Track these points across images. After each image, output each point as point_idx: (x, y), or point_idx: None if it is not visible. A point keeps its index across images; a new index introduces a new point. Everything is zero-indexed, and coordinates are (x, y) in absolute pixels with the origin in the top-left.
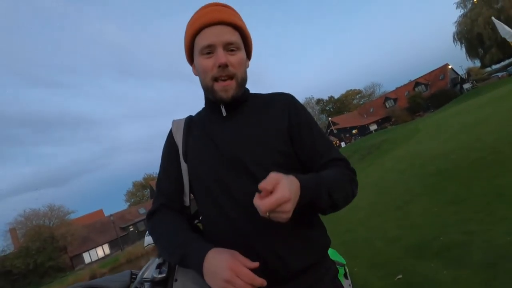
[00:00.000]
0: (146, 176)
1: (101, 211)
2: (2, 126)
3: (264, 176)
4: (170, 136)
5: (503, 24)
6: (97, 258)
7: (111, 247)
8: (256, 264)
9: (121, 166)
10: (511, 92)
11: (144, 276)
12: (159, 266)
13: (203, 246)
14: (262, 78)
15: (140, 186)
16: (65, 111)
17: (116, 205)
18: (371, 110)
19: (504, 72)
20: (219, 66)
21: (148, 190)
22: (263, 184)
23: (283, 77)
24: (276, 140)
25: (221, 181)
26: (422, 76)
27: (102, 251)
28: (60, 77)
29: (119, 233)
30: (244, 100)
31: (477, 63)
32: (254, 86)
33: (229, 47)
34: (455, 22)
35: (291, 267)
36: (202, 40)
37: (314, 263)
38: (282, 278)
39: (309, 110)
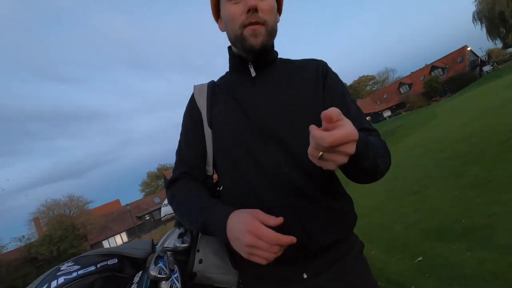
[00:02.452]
0: (160, 166)
1: (117, 201)
2: (21, 120)
3: (299, 145)
4: (192, 101)
5: None
6: (115, 245)
7: (128, 235)
8: (280, 220)
9: (135, 157)
10: None
11: (165, 245)
12: (181, 236)
13: (224, 210)
14: None
15: (155, 176)
16: (80, 105)
17: (132, 195)
18: (384, 96)
19: None
20: (249, 11)
21: (162, 180)
22: (329, 112)
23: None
24: (313, 106)
25: (248, 149)
26: (439, 60)
27: (120, 239)
28: (75, 72)
29: (135, 221)
30: (273, 60)
31: (499, 44)
32: None
33: None
34: (475, 0)
35: (318, 241)
36: None
37: (341, 238)
38: (308, 252)
39: None
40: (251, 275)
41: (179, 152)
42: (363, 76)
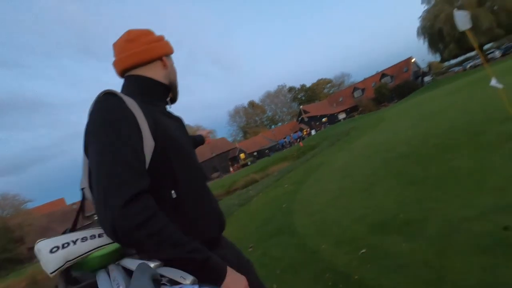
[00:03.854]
0: None
1: (62, 200)
2: None
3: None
4: (128, 111)
5: (461, 13)
6: None
7: None
8: None
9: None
10: (465, 85)
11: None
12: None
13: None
14: (236, 65)
15: None
16: (19, 92)
17: (79, 193)
18: (340, 100)
19: (460, 67)
20: None
21: None
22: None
23: (257, 64)
24: None
25: (193, 159)
26: (388, 68)
27: None
28: (13, 56)
29: (83, 222)
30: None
31: (438, 58)
32: (229, 72)
33: None
34: (420, 17)
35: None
36: (171, 61)
37: None
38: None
39: (281, 98)
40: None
41: (130, 162)
42: (321, 79)
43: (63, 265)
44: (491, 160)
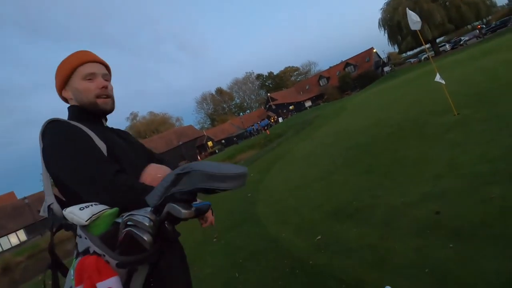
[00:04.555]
0: None
1: (12, 194)
2: None
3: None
4: (74, 126)
5: (413, 14)
6: (10, 246)
7: (28, 233)
8: None
9: (35, 142)
10: (419, 76)
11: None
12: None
13: None
14: (204, 51)
15: None
16: None
17: (31, 186)
18: (306, 87)
19: (416, 59)
20: (102, 88)
21: None
22: None
23: (224, 50)
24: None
25: (136, 165)
26: (351, 58)
27: (16, 238)
28: None
29: (36, 217)
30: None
31: (396, 49)
32: (196, 58)
33: (105, 78)
34: (381, 8)
35: None
36: (86, 69)
37: None
38: None
39: (249, 85)
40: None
41: (99, 156)
42: (289, 67)
43: (91, 217)
44: (431, 150)
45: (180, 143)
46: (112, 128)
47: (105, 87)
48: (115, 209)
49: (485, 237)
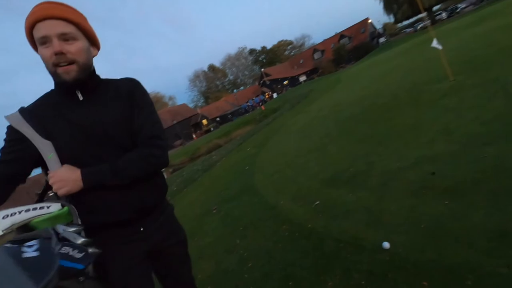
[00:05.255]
0: None
1: None
2: None
3: (123, 143)
4: (13, 131)
5: None
6: None
7: None
8: None
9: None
10: (413, 46)
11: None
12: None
13: None
14: (193, 26)
15: None
16: None
17: None
18: (301, 62)
19: (412, 28)
20: (56, 54)
21: None
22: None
23: (215, 25)
24: (126, 122)
25: (89, 153)
26: (346, 29)
27: None
28: None
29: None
30: (95, 86)
31: (392, 19)
32: (186, 34)
33: (64, 37)
34: None
35: (147, 205)
36: (38, 33)
37: (158, 203)
38: (142, 213)
39: (242, 61)
40: (100, 246)
41: None
42: (282, 40)
43: (10, 227)
44: (426, 116)
45: (175, 122)
46: (86, 101)
47: (60, 53)
48: (46, 216)
49: (479, 193)
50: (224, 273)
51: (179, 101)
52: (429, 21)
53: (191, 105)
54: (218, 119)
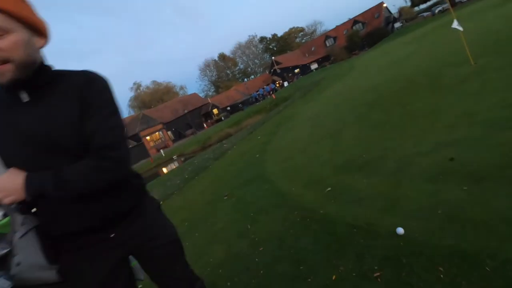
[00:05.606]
0: None
1: None
2: None
3: (64, 154)
4: None
5: None
6: None
7: None
8: None
9: None
10: (432, 31)
11: None
12: None
13: None
14: (204, 15)
15: None
16: None
17: None
18: (312, 49)
19: (429, 12)
20: None
21: None
22: None
23: (226, 13)
24: (68, 127)
25: (27, 162)
26: (360, 14)
27: None
28: None
29: None
30: (41, 84)
31: (408, 2)
32: (196, 23)
33: None
34: None
35: (117, 210)
36: None
37: (134, 206)
38: (111, 220)
39: (253, 49)
40: (69, 254)
41: None
42: (293, 28)
43: None
44: (445, 101)
45: (186, 111)
46: (32, 102)
47: None
48: None
49: (499, 178)
50: (235, 256)
51: (190, 91)
52: (447, 4)
53: (201, 95)
54: (228, 108)
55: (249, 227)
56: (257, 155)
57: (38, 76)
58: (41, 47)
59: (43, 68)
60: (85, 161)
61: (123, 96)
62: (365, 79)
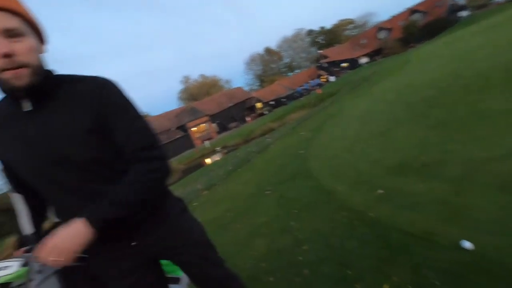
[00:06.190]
0: None
1: None
2: None
3: (81, 161)
4: None
5: None
6: None
7: None
8: None
9: None
10: (509, 20)
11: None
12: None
13: None
14: (251, 8)
15: None
16: None
17: None
18: (362, 42)
19: None
20: (4, 57)
21: None
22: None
23: (273, 6)
24: (82, 131)
25: (40, 174)
26: (419, 3)
27: None
28: None
29: None
30: (48, 90)
31: None
32: (243, 17)
33: (9, 34)
34: None
35: (132, 219)
36: None
37: (151, 213)
38: (129, 228)
39: (299, 43)
40: (93, 260)
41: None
42: (343, 20)
43: None
44: None
45: (230, 105)
46: (36, 111)
47: (8, 55)
48: (11, 276)
49: None
50: (278, 252)
51: (235, 84)
52: None
53: (246, 88)
54: (272, 102)
55: (292, 223)
56: (301, 151)
57: (44, 84)
58: (43, 53)
59: (47, 74)
60: (131, 171)
61: (174, 89)
62: (423, 74)
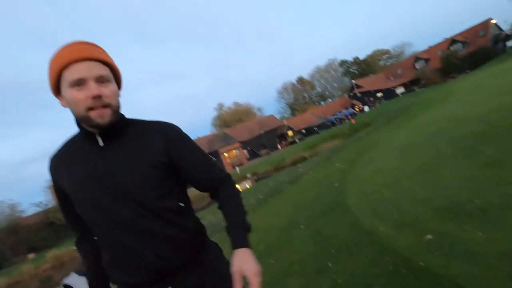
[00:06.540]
0: None
1: None
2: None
3: (143, 199)
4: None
5: None
6: None
7: None
8: None
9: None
10: None
11: None
12: None
13: None
14: (284, 39)
15: None
16: None
17: None
18: (398, 72)
19: None
20: (94, 98)
21: None
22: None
23: (302, 34)
24: (154, 170)
25: (101, 208)
26: (459, 33)
27: None
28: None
29: None
30: (120, 129)
31: None
32: (277, 47)
33: (100, 80)
34: None
35: (172, 263)
36: (72, 74)
37: (190, 258)
38: (167, 272)
39: (332, 72)
40: None
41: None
42: (377, 50)
43: None
44: None
45: (262, 132)
46: (107, 147)
47: (98, 96)
48: None
49: None
50: None
51: (267, 112)
52: None
53: (277, 116)
54: (303, 131)
55: (329, 265)
56: (336, 184)
57: (118, 123)
58: (119, 96)
59: (121, 116)
60: (226, 195)
61: (208, 115)
62: (470, 106)
